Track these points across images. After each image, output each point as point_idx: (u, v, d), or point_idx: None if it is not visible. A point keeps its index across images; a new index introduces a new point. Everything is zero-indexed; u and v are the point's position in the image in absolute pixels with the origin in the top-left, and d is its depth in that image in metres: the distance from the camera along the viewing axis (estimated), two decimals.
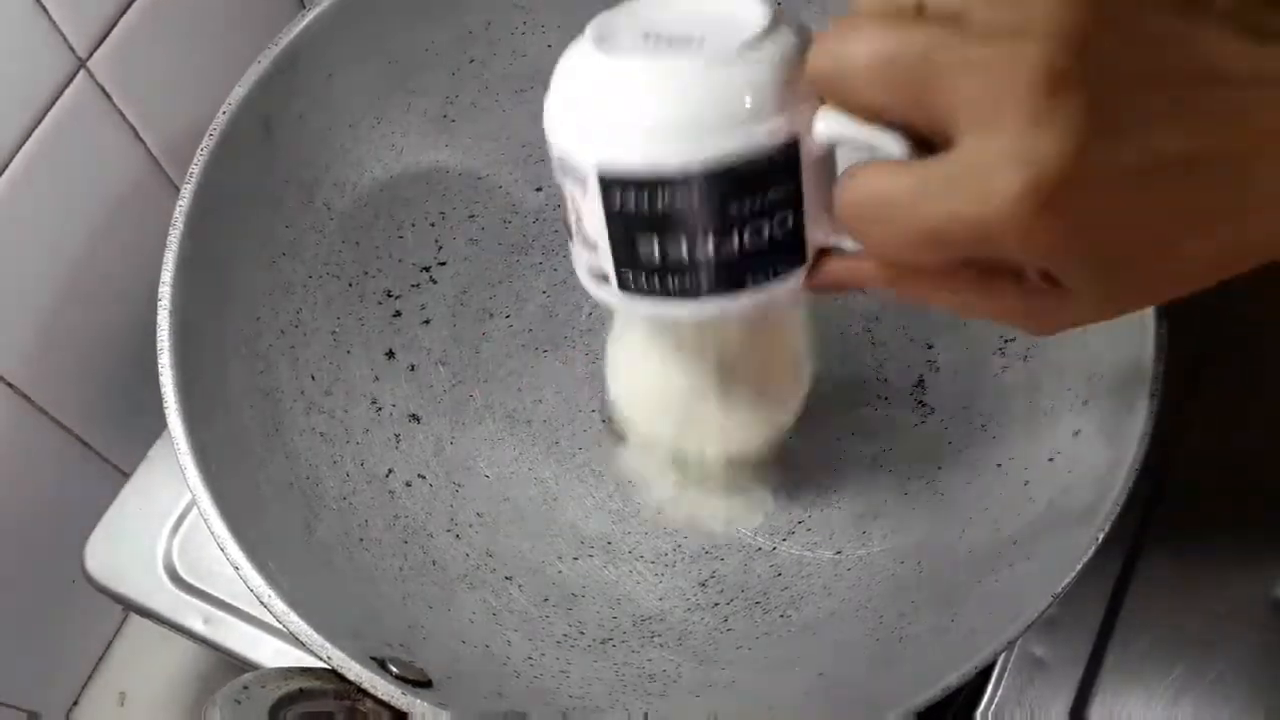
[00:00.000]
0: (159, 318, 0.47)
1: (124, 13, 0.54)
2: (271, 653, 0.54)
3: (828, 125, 0.32)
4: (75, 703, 0.71)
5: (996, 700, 0.54)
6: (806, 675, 0.47)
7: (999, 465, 0.50)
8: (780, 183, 0.33)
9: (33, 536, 0.61)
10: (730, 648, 0.50)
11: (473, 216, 0.59)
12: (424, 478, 0.54)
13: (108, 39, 0.54)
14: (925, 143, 0.29)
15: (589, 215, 0.35)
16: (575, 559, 0.54)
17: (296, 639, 0.42)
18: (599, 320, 0.59)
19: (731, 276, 0.35)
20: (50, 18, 0.50)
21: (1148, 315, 0.45)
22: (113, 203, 0.58)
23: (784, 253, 0.35)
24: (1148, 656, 0.55)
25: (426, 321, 0.58)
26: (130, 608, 0.56)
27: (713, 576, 0.53)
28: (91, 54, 0.53)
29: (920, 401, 0.55)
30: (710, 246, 0.34)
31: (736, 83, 0.32)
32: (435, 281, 0.58)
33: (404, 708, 0.41)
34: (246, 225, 0.52)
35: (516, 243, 0.60)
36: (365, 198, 0.56)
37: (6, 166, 0.51)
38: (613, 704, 0.47)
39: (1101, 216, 0.28)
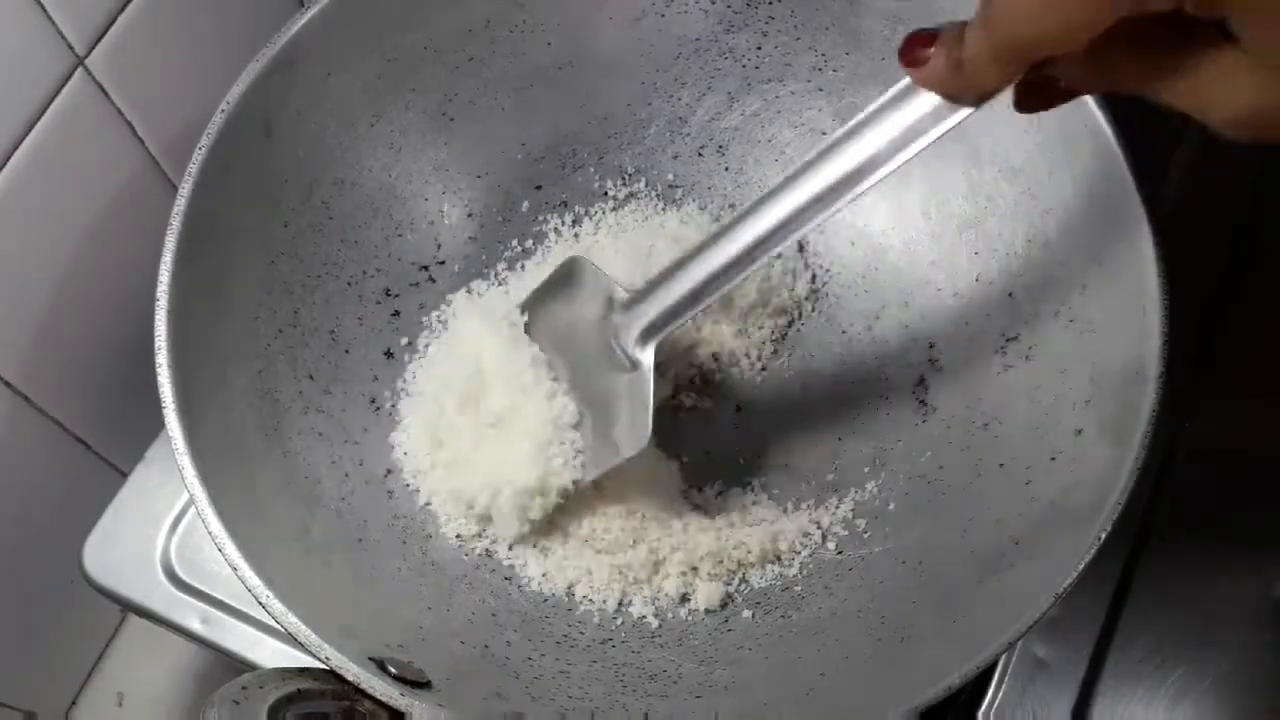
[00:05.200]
0: (157, 317, 0.47)
1: (122, 10, 0.54)
2: (270, 653, 0.54)
3: None
4: (73, 703, 0.71)
5: (998, 701, 0.54)
6: (808, 675, 0.47)
7: (1001, 465, 0.50)
8: None
9: (31, 536, 0.61)
10: (731, 648, 0.50)
11: (472, 215, 0.59)
12: None
13: (106, 37, 0.54)
14: None
15: None
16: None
17: (294, 639, 0.42)
18: None
19: None
20: (48, 15, 0.50)
21: (1150, 315, 0.45)
22: (111, 202, 0.58)
23: None
24: (1149, 657, 0.55)
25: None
26: (128, 608, 0.56)
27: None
28: (89, 52, 0.53)
29: (921, 401, 0.55)
30: None
31: None
32: (435, 281, 0.58)
33: (403, 708, 0.41)
34: (245, 225, 0.51)
35: (516, 241, 0.60)
36: (364, 197, 0.56)
37: (4, 165, 0.51)
38: (612, 704, 0.47)
39: None
